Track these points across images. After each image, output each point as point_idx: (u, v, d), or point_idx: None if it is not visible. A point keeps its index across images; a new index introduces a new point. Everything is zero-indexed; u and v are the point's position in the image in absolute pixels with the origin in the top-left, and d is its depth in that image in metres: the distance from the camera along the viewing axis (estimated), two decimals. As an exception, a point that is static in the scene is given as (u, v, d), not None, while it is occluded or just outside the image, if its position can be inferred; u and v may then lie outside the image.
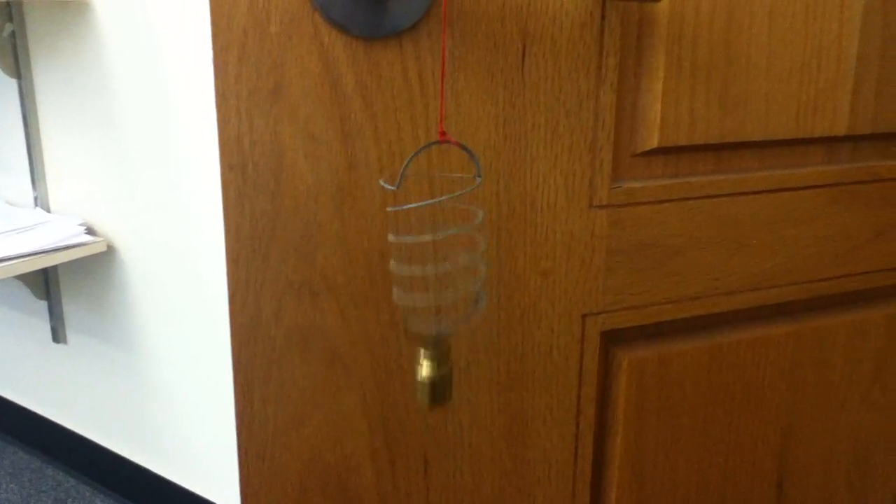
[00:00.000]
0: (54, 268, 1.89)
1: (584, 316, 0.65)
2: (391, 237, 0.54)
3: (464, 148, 0.47)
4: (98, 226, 1.76)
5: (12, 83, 1.79)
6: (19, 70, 1.76)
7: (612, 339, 0.68)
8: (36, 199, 1.85)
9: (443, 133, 0.49)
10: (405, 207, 0.55)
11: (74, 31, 1.65)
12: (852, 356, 0.77)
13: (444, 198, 0.56)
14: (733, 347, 0.71)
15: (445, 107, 0.55)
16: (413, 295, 0.57)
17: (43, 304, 1.95)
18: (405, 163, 0.54)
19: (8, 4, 1.72)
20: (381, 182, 0.54)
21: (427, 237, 0.56)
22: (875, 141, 0.73)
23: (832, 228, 0.72)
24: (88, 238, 1.71)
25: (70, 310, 1.91)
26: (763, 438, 0.76)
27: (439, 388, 0.52)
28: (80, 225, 1.74)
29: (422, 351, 0.52)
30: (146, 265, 1.71)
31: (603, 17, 0.58)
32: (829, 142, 0.71)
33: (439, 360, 0.52)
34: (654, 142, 0.63)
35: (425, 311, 0.58)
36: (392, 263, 0.56)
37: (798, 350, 0.74)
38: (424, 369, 0.52)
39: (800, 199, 0.70)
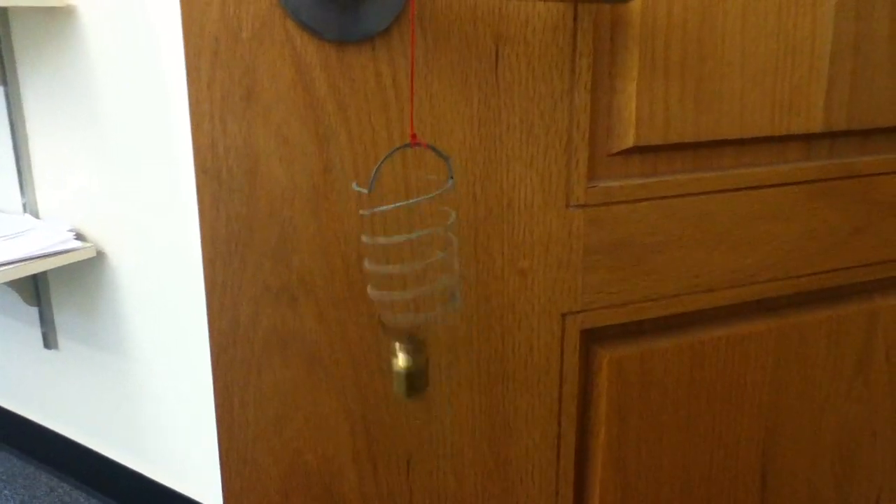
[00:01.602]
0: (44, 274, 1.89)
1: (563, 315, 0.65)
2: (364, 238, 0.54)
3: (434, 150, 0.48)
4: (87, 231, 1.77)
5: (-1, 90, 1.80)
6: (6, 76, 1.76)
7: (593, 338, 0.68)
8: (24, 205, 1.85)
9: (413, 136, 0.49)
10: (378, 210, 0.56)
11: (60, 37, 1.65)
12: (834, 351, 0.78)
13: (417, 200, 0.56)
14: (714, 345, 0.72)
15: (420, 109, 0.56)
16: (387, 292, 0.58)
17: (34, 310, 1.95)
18: (376, 166, 0.54)
19: (-6, 11, 1.72)
20: (355, 185, 0.54)
21: (400, 238, 0.57)
22: (851, 137, 0.73)
23: (811, 225, 0.72)
24: (78, 244, 1.71)
25: (61, 315, 1.91)
26: (747, 435, 0.76)
27: (416, 379, 0.54)
28: (70, 231, 1.74)
29: (397, 343, 0.53)
30: (136, 270, 1.71)
31: (575, 18, 0.58)
32: (806, 139, 0.71)
33: (415, 351, 0.53)
34: (629, 141, 0.63)
35: (400, 306, 0.58)
36: (366, 262, 0.57)
37: (780, 346, 0.75)
38: (400, 361, 0.53)
39: (778, 195, 0.70)
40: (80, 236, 1.76)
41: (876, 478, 0.84)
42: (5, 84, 1.76)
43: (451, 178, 0.50)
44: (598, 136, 0.63)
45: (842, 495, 0.83)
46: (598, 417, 0.69)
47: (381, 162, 0.47)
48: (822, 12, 0.66)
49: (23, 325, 2.01)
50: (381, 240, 0.55)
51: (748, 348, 0.73)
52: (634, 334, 0.70)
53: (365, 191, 0.54)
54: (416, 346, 0.53)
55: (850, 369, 0.79)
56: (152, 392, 1.78)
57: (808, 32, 0.66)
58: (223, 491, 0.59)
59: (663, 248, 0.67)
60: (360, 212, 0.55)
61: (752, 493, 0.78)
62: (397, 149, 0.48)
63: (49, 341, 1.94)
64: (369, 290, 0.56)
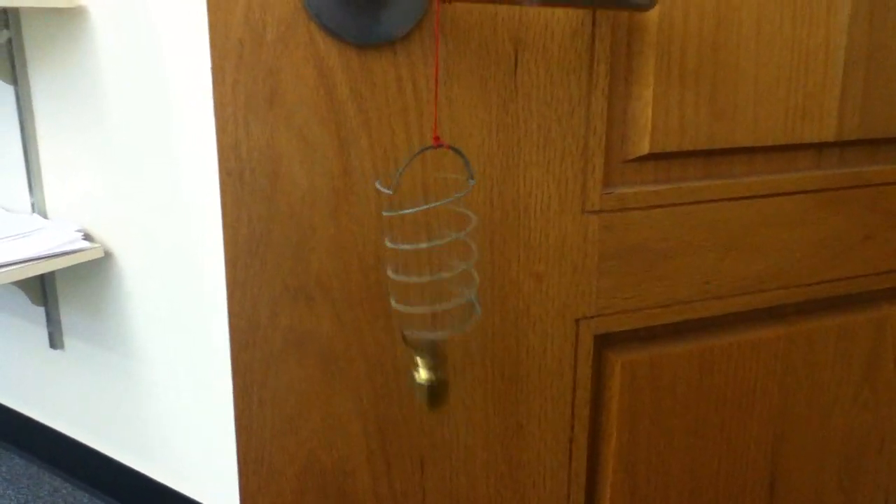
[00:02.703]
0: (51, 274, 1.89)
1: (577, 319, 0.66)
2: (388, 244, 0.55)
3: (455, 150, 0.48)
4: (95, 232, 1.77)
5: (9, 89, 1.80)
6: (16, 76, 1.77)
7: (606, 343, 0.69)
8: (33, 205, 1.85)
9: (437, 138, 0.50)
10: (401, 213, 0.56)
11: (71, 38, 1.66)
12: (842, 358, 0.78)
13: (438, 203, 0.57)
14: (725, 350, 0.72)
15: (439, 114, 0.56)
16: (410, 304, 0.58)
17: (40, 310, 1.95)
18: (401, 167, 0.55)
19: (4, 11, 1.73)
20: (378, 185, 0.55)
21: (423, 245, 0.57)
22: (862, 146, 0.74)
23: (821, 233, 0.73)
24: (86, 244, 1.72)
25: (67, 316, 1.92)
26: (755, 440, 0.76)
27: (438, 391, 0.54)
28: (78, 231, 1.75)
29: (418, 357, 0.54)
30: (143, 271, 1.72)
31: (593, 25, 0.59)
32: (818, 147, 0.72)
33: (436, 364, 0.54)
34: (644, 148, 0.64)
35: (421, 319, 0.59)
36: (389, 271, 0.57)
37: (789, 352, 0.75)
38: (422, 374, 0.54)
39: (789, 203, 0.71)
40: (87, 237, 1.76)
41: (883, 483, 0.85)
42: (15, 84, 1.77)
43: (472, 179, 0.51)
44: (614, 143, 0.64)
45: (849, 501, 0.83)
46: (610, 421, 0.70)
47: (407, 163, 0.47)
48: (836, 22, 0.67)
49: (29, 324, 2.02)
50: (405, 246, 0.56)
51: (757, 355, 0.74)
52: (646, 339, 0.71)
53: (389, 191, 0.54)
54: (437, 359, 0.53)
55: (858, 376, 0.80)
56: (157, 393, 1.79)
57: (821, 42, 0.67)
58: (240, 489, 0.60)
59: (676, 254, 0.68)
60: (384, 212, 0.56)
61: (760, 499, 0.78)
62: (422, 150, 0.49)
63: (55, 341, 1.94)
64: (392, 303, 0.57)
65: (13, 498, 1.95)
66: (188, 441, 1.76)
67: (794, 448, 0.79)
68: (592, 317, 0.66)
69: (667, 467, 0.73)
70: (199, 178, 1.55)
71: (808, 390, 0.77)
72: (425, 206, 0.56)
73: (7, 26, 1.74)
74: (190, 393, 1.72)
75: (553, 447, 0.68)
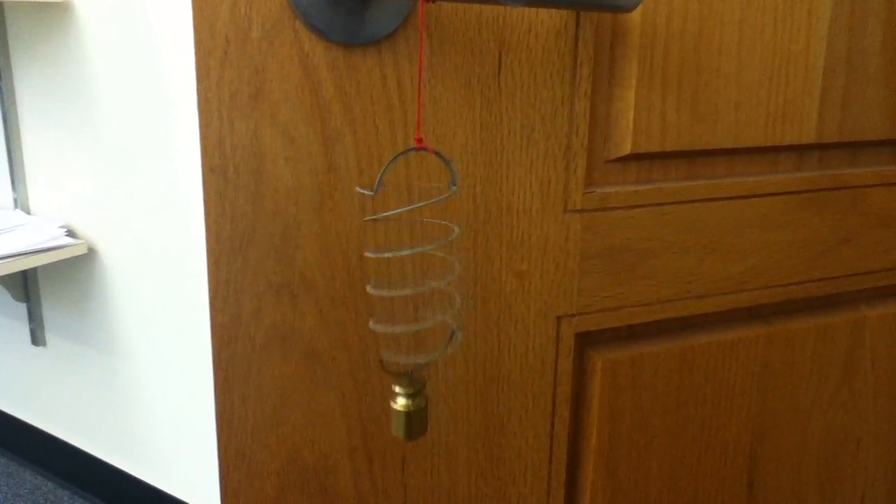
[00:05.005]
0: (34, 270, 1.88)
1: (558, 318, 0.66)
2: (368, 254, 0.55)
3: (440, 156, 0.48)
4: (79, 228, 1.76)
5: (-7, 85, 1.79)
6: (0, 71, 1.76)
7: (587, 341, 0.69)
8: (16, 200, 1.84)
9: (419, 140, 0.50)
10: (383, 216, 0.57)
11: (56, 33, 1.65)
12: (821, 359, 0.79)
13: (421, 204, 0.57)
14: (704, 350, 0.73)
15: (423, 112, 0.57)
16: (390, 325, 0.58)
17: (22, 307, 1.94)
18: (382, 169, 0.55)
19: (-11, 6, 1.72)
20: (359, 188, 0.55)
21: (405, 251, 0.57)
22: (842, 149, 0.75)
23: (801, 234, 0.74)
24: (69, 240, 1.71)
25: (49, 312, 1.91)
26: (734, 439, 0.77)
27: (415, 421, 0.53)
28: (61, 227, 1.74)
29: (397, 386, 0.53)
30: (126, 268, 1.71)
31: (577, 26, 0.60)
32: (798, 150, 0.73)
33: (415, 393, 0.53)
34: (626, 148, 0.64)
35: (400, 341, 0.59)
36: (369, 287, 0.57)
37: (768, 353, 0.76)
38: (400, 402, 0.53)
39: (769, 205, 0.72)
40: (71, 233, 1.76)
41: (859, 483, 0.86)
42: (-1, 79, 1.76)
43: (455, 185, 0.51)
44: (596, 143, 0.64)
45: (826, 500, 0.84)
46: (591, 419, 0.70)
47: (388, 165, 0.48)
48: (817, 27, 0.68)
49: (10, 321, 2.00)
50: (387, 254, 0.56)
51: (737, 354, 0.75)
52: (627, 338, 0.71)
53: (369, 192, 0.55)
54: (416, 388, 0.52)
55: (836, 377, 0.81)
56: (140, 390, 1.78)
57: (802, 46, 0.68)
58: (221, 485, 0.60)
59: (657, 253, 0.68)
60: (366, 218, 0.56)
61: (738, 497, 0.79)
62: (404, 152, 0.49)
63: (37, 338, 1.93)
64: (371, 324, 0.57)
65: (-7, 495, 1.93)
66: (170, 438, 1.75)
67: (773, 447, 0.79)
68: (574, 315, 0.67)
69: (647, 465, 0.74)
70: (190, 174, 1.55)
71: (787, 390, 0.78)
72: (408, 208, 0.56)
73: (-9, 20, 1.73)
74: (172, 390, 1.71)
75: (534, 444, 0.68)
